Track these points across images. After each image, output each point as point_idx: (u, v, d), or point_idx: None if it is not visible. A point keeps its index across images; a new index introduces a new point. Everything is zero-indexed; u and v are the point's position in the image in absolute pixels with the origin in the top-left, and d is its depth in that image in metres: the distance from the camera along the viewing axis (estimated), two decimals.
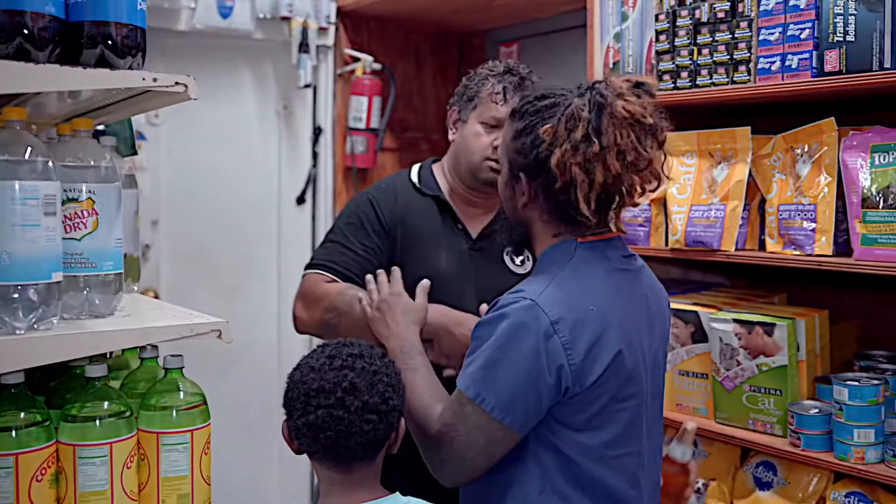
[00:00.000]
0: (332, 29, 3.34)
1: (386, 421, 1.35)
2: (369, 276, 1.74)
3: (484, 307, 1.67)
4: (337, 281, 1.82)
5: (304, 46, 3.22)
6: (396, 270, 1.73)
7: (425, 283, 1.71)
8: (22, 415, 1.18)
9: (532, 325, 1.29)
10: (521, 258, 1.91)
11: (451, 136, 1.93)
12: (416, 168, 1.98)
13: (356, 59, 3.38)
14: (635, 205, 1.39)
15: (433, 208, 1.90)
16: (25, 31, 1.10)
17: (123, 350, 1.56)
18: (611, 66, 2.23)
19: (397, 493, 1.39)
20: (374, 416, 1.33)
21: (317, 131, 3.43)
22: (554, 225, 1.41)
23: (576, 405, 1.33)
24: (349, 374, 1.34)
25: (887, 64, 1.67)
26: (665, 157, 1.36)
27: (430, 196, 1.91)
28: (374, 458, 1.38)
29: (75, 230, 1.24)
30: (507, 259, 1.90)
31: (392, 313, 1.64)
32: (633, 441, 1.39)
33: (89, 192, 1.25)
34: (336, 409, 1.32)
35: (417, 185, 1.93)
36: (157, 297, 3.08)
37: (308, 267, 1.87)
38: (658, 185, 1.38)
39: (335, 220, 1.95)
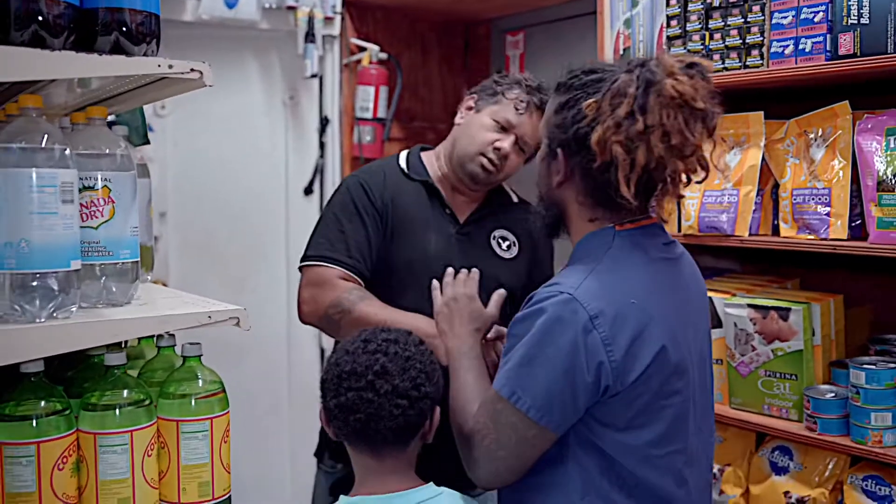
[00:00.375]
0: (337, 18, 3.33)
1: (417, 407, 1.34)
2: (449, 270, 1.74)
3: (501, 292, 1.67)
4: (344, 271, 1.81)
5: (310, 36, 3.21)
6: (475, 272, 1.73)
7: (501, 292, 1.68)
8: (42, 403, 1.18)
9: (569, 320, 1.23)
10: (507, 243, 1.95)
11: (457, 119, 1.94)
12: (403, 154, 1.99)
13: (362, 49, 3.37)
14: (679, 196, 1.31)
15: (422, 193, 1.91)
16: (40, 18, 1.09)
17: (140, 340, 1.56)
18: (621, 52, 2.22)
19: (431, 483, 1.39)
20: (404, 400, 1.33)
21: (324, 121, 3.42)
22: (590, 208, 1.35)
23: (617, 404, 1.26)
24: (381, 357, 1.35)
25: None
26: (715, 145, 1.29)
27: (419, 181, 1.92)
28: (406, 445, 1.37)
29: (92, 218, 1.23)
30: (493, 244, 1.93)
31: (460, 314, 1.61)
32: (678, 438, 1.31)
33: (105, 180, 1.24)
34: (366, 391, 1.33)
35: (406, 170, 1.94)
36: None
37: (310, 258, 1.85)
38: (706, 176, 1.31)
39: (328, 205, 1.93)
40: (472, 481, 1.37)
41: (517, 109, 1.84)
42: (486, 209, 1.95)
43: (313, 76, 3.27)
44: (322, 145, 3.45)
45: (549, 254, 2.05)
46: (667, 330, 1.28)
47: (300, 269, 1.88)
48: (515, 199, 2.04)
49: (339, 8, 3.32)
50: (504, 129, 1.85)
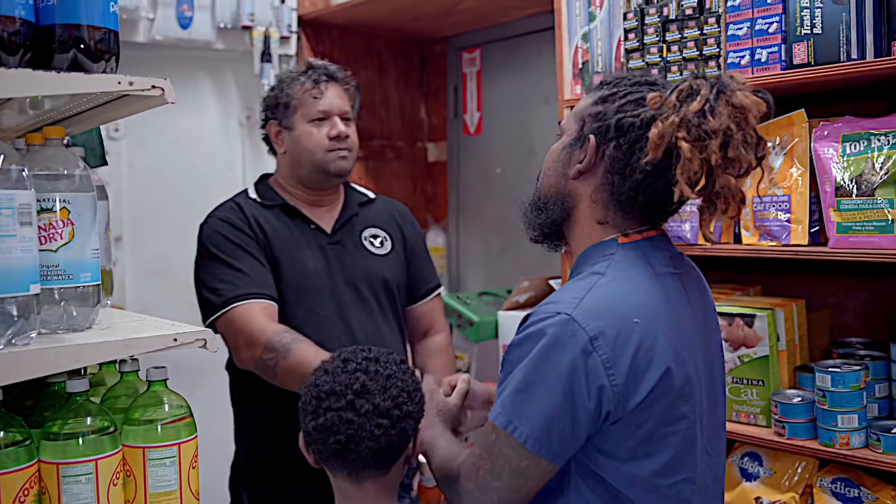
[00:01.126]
0: (293, 38, 3.31)
1: (398, 427, 1.30)
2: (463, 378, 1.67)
3: (465, 377, 1.63)
4: (263, 302, 1.82)
5: (266, 56, 3.19)
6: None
7: (465, 377, 1.62)
8: (1, 434, 1.14)
9: (568, 342, 1.16)
10: (379, 240, 2.02)
11: (279, 150, 1.99)
12: (251, 187, 2.03)
13: None
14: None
15: (281, 216, 1.96)
16: None
17: (101, 366, 1.51)
18: (580, 66, 2.23)
19: None
20: (385, 420, 1.29)
21: None
22: (603, 208, 1.28)
23: (619, 432, 1.19)
24: (361, 376, 1.31)
25: (854, 55, 1.70)
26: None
27: (275, 206, 1.95)
28: (388, 469, 1.33)
29: (51, 241, 1.20)
30: (366, 244, 1.99)
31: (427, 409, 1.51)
32: (686, 466, 1.24)
33: (63, 201, 1.21)
34: (346, 411, 1.28)
35: (259, 199, 1.97)
36: None
37: (218, 307, 1.83)
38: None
39: (199, 258, 1.92)
40: None
41: (316, 97, 1.92)
42: (350, 213, 2.01)
43: None
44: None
45: (421, 240, 2.13)
46: (672, 350, 1.20)
47: (213, 324, 1.85)
48: (372, 196, 2.11)
49: (294, 27, 3.30)
50: (323, 119, 1.90)
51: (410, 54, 3.74)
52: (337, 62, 3.35)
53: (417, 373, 1.44)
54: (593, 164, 1.28)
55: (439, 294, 2.17)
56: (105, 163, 1.80)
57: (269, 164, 3.41)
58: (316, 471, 1.84)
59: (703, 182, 1.20)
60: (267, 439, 1.95)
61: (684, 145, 1.16)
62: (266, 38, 3.18)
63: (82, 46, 1.15)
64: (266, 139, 2.03)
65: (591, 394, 1.16)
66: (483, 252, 3.61)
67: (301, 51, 3.35)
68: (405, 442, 1.33)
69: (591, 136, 1.27)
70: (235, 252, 1.88)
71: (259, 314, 1.82)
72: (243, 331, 1.81)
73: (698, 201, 1.24)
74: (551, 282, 2.60)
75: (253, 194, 1.99)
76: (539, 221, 1.36)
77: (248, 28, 3.16)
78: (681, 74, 1.98)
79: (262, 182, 2.04)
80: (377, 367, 1.33)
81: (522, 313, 2.59)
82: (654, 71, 2.03)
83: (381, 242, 2.01)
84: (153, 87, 1.19)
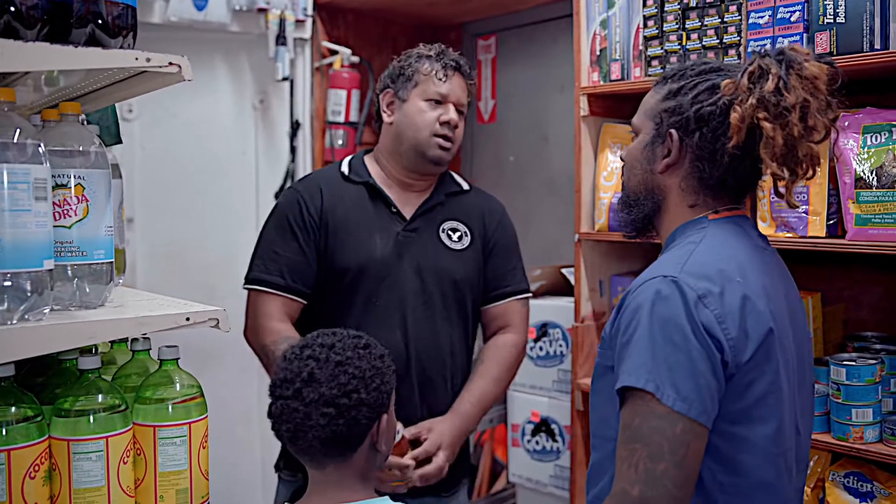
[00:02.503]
0: (309, 21, 3.29)
1: (348, 416, 1.26)
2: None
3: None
4: (281, 296, 1.84)
5: (281, 39, 3.17)
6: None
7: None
8: (13, 409, 1.14)
9: (680, 302, 1.17)
10: (458, 234, 1.96)
11: (387, 119, 1.95)
12: (347, 159, 2.00)
13: (334, 52, 3.33)
14: (785, 190, 1.28)
15: (363, 195, 1.92)
16: (13, 9, 1.05)
17: (112, 345, 1.51)
18: (598, 53, 2.21)
19: (387, 496, 1.32)
20: (330, 409, 1.25)
21: (295, 125, 3.38)
22: (694, 193, 1.32)
23: (731, 390, 1.18)
24: (312, 364, 1.28)
25: (878, 45, 1.67)
26: (838, 134, 1.29)
27: (361, 183, 1.91)
28: (345, 456, 1.29)
29: (65, 217, 1.19)
30: (443, 236, 1.93)
31: None
32: (788, 437, 1.25)
33: (78, 177, 1.20)
34: (292, 400, 1.27)
35: (347, 174, 1.94)
36: None
37: (248, 280, 1.88)
38: (814, 172, 1.28)
39: (266, 221, 1.94)
40: None
41: (441, 79, 1.88)
42: (435, 201, 1.95)
43: (284, 79, 3.22)
44: (293, 149, 3.40)
45: (511, 241, 2.04)
46: (772, 313, 1.23)
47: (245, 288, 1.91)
48: (466, 187, 2.04)
49: (310, 11, 3.28)
50: (439, 102, 1.88)
51: (426, 40, 3.71)
52: (352, 47, 3.38)
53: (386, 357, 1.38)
54: (679, 156, 1.32)
55: (524, 300, 2.05)
56: (120, 141, 1.80)
57: (282, 149, 3.42)
58: None
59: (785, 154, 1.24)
60: None
61: (766, 124, 1.21)
62: (281, 22, 3.17)
63: (100, 21, 1.15)
64: (377, 109, 1.98)
65: (714, 345, 1.16)
66: None
67: (316, 35, 3.33)
68: (360, 431, 1.28)
69: (673, 132, 1.31)
70: (285, 235, 1.87)
71: (276, 310, 1.84)
72: (257, 317, 1.85)
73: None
74: (563, 270, 2.59)
75: (344, 167, 1.96)
76: (631, 218, 1.40)
77: (263, 11, 3.14)
78: None
79: (358, 157, 2.00)
80: (328, 354, 1.29)
81: (534, 302, 2.58)
82: (674, 59, 2.01)
83: (460, 237, 1.94)
84: (170, 63, 1.18)
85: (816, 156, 1.26)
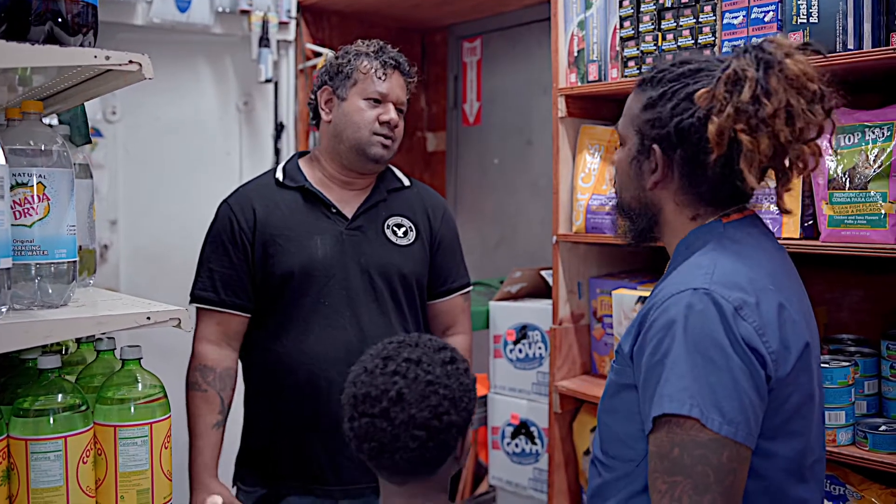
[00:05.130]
0: (292, 23, 3.29)
1: (438, 439, 1.19)
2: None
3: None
4: (218, 311, 1.87)
5: (264, 41, 3.17)
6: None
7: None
8: None
9: (716, 316, 1.09)
10: (403, 230, 1.96)
11: (325, 117, 1.94)
12: (281, 164, 2.00)
13: (318, 55, 3.33)
14: (785, 189, 1.22)
15: (299, 200, 1.90)
16: None
17: (79, 344, 1.50)
18: (575, 53, 2.21)
19: None
20: (421, 432, 1.18)
21: (279, 127, 3.38)
22: (691, 206, 1.24)
23: (770, 405, 1.11)
24: (399, 381, 1.20)
25: (851, 45, 1.67)
26: (833, 128, 1.20)
27: (296, 188, 1.91)
28: (431, 473, 1.24)
29: (25, 216, 1.18)
30: (388, 233, 1.93)
31: None
32: (819, 444, 1.21)
33: (40, 176, 1.20)
34: (380, 419, 1.19)
35: (282, 180, 1.94)
36: None
37: (192, 297, 1.91)
38: (816, 164, 1.20)
39: (205, 237, 1.95)
40: None
41: (380, 78, 1.87)
42: (377, 199, 1.95)
43: (267, 81, 3.22)
44: (277, 151, 3.40)
45: (454, 235, 2.05)
46: (805, 320, 1.18)
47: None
48: (407, 183, 2.03)
49: (294, 13, 3.28)
50: (378, 101, 1.87)
51: (411, 43, 3.72)
52: (336, 49, 3.36)
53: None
54: (667, 173, 1.24)
55: (466, 294, 2.08)
56: (89, 141, 1.79)
57: (267, 151, 3.41)
58: (307, 461, 1.85)
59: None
60: (263, 426, 1.93)
61: (744, 137, 1.13)
62: (264, 24, 3.16)
63: (59, 19, 1.14)
64: (314, 106, 1.97)
65: (756, 360, 1.09)
66: (480, 242, 3.59)
67: (300, 37, 3.33)
68: (447, 451, 1.22)
69: (656, 147, 1.23)
70: (218, 250, 1.88)
71: (211, 329, 1.88)
72: (193, 337, 1.91)
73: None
74: (543, 273, 2.59)
75: (279, 173, 1.95)
76: (631, 229, 1.33)
77: (246, 13, 3.14)
78: None
79: (293, 160, 1.99)
80: (417, 372, 1.21)
81: (513, 304, 2.58)
82: (650, 60, 2.01)
83: (405, 232, 1.94)
84: (130, 62, 1.17)
85: (815, 152, 1.18)
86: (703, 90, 1.16)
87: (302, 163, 1.97)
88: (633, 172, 1.28)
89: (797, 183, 1.79)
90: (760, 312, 1.11)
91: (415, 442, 1.18)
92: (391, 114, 1.86)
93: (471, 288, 2.10)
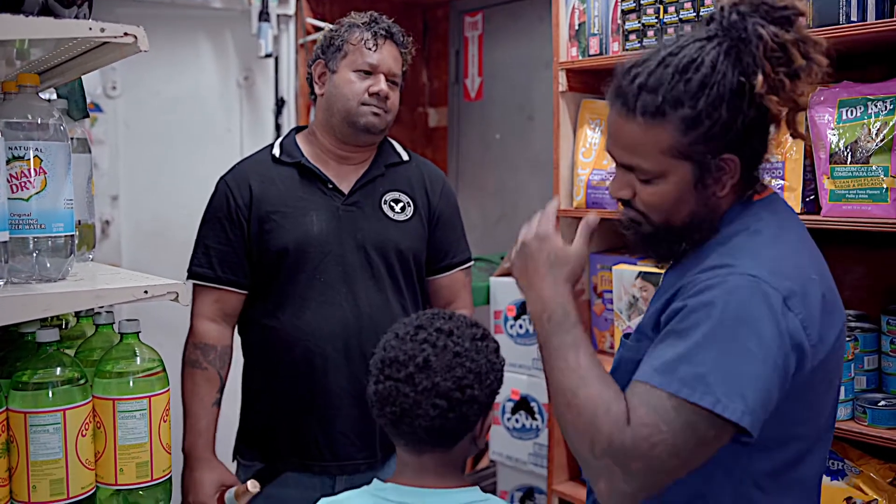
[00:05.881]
0: None
1: (458, 411, 1.19)
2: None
3: (590, 218, 1.28)
4: (212, 287, 1.87)
5: (264, 15, 3.15)
6: (553, 203, 1.37)
7: (590, 218, 1.27)
8: None
9: (763, 304, 1.04)
10: (401, 205, 1.94)
11: (318, 91, 1.92)
12: (279, 140, 1.99)
13: (318, 29, 3.31)
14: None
15: (295, 176, 1.90)
16: None
17: (79, 319, 1.51)
18: (576, 27, 2.19)
19: (477, 487, 1.26)
20: (443, 401, 1.18)
21: (279, 102, 3.37)
22: (740, 191, 1.18)
23: (794, 392, 1.09)
24: (428, 349, 1.20)
25: (854, 17, 1.66)
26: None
27: (292, 164, 1.90)
28: (448, 447, 1.24)
29: (22, 189, 1.18)
30: (385, 208, 1.91)
31: (534, 263, 1.23)
32: (831, 427, 1.20)
33: (36, 150, 1.19)
34: (404, 384, 1.20)
35: (278, 156, 1.92)
36: None
37: (189, 273, 1.91)
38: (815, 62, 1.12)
39: (204, 210, 1.95)
40: (602, 493, 1.09)
41: (371, 49, 1.84)
42: (374, 174, 1.93)
43: (267, 56, 3.20)
44: (278, 127, 3.39)
45: (454, 210, 2.03)
46: (838, 309, 1.15)
47: None
48: (406, 157, 2.01)
49: None
50: (369, 73, 1.85)
51: (412, 17, 3.70)
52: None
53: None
54: (740, 171, 1.16)
55: (467, 269, 2.05)
56: (87, 115, 1.78)
57: (267, 126, 3.40)
58: (303, 437, 1.85)
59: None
60: (260, 401, 1.94)
61: (801, 99, 1.11)
62: None
63: None
64: (309, 80, 1.96)
65: (795, 357, 1.06)
66: (481, 218, 3.59)
67: (300, 11, 3.31)
68: (467, 426, 1.22)
69: (729, 157, 1.13)
70: (214, 226, 1.88)
71: (208, 307, 1.88)
72: (191, 313, 1.91)
73: None
74: None
75: (276, 149, 1.94)
76: (684, 242, 1.20)
77: None
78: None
79: (290, 135, 1.98)
80: (447, 342, 1.21)
81: (513, 279, 2.58)
82: (651, 33, 1.99)
83: (403, 208, 1.92)
84: (125, 34, 1.16)
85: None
86: (759, 79, 1.08)
87: (299, 138, 1.96)
88: (697, 194, 1.16)
89: (798, 158, 1.78)
90: (806, 303, 1.07)
91: (435, 410, 1.18)
92: (381, 85, 1.84)
93: (472, 263, 2.09)
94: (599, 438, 1.06)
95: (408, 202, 1.92)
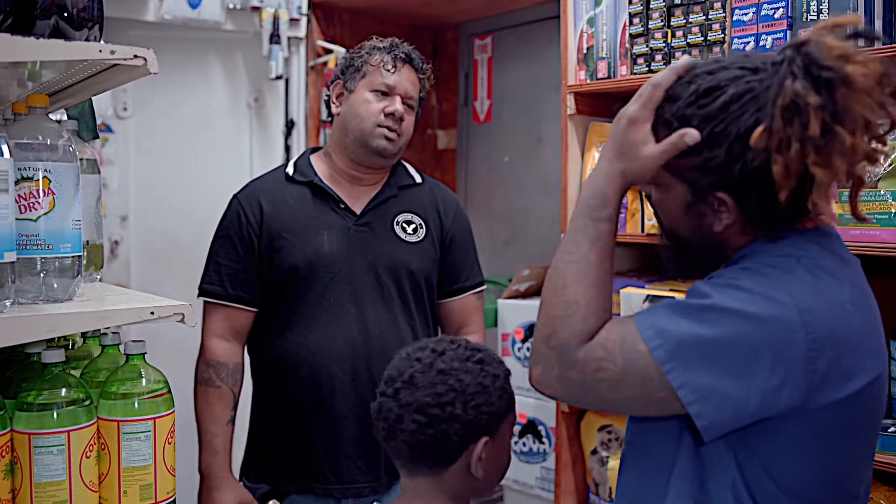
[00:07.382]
0: (303, 20, 3.30)
1: (436, 428, 1.19)
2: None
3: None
4: (224, 305, 1.88)
5: (275, 37, 3.18)
6: (678, 63, 1.20)
7: (691, 132, 1.14)
8: None
9: (785, 344, 1.00)
10: (412, 227, 1.94)
11: (334, 110, 1.94)
12: (293, 159, 2.00)
13: (329, 51, 3.33)
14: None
15: (307, 195, 1.90)
16: None
17: (85, 339, 1.51)
18: (584, 51, 2.20)
19: None
20: (421, 416, 1.19)
21: (289, 124, 3.38)
22: (753, 233, 1.11)
23: (800, 425, 1.04)
24: (416, 366, 1.23)
25: (862, 42, 1.65)
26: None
27: (305, 183, 1.90)
28: (434, 470, 1.23)
29: (31, 210, 1.19)
30: (397, 229, 1.92)
31: (610, 142, 1.14)
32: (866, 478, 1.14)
33: (45, 170, 1.20)
34: (390, 399, 1.23)
35: (291, 175, 1.93)
36: None
37: (200, 291, 1.92)
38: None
39: (216, 228, 1.96)
40: (533, 380, 1.11)
41: (389, 71, 1.86)
42: (387, 195, 1.93)
43: (278, 78, 3.23)
44: (288, 148, 3.41)
45: (466, 233, 2.03)
46: (881, 353, 1.09)
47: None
48: (420, 179, 2.01)
49: (305, 9, 3.28)
50: (385, 94, 1.86)
51: (422, 40, 3.72)
52: (347, 46, 3.37)
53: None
54: (738, 214, 1.10)
55: (479, 293, 2.04)
56: (97, 136, 1.79)
57: (277, 147, 3.42)
58: (307, 459, 1.84)
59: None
60: (267, 421, 1.93)
61: (818, 171, 0.99)
62: (275, 20, 3.17)
63: (65, 14, 1.14)
64: (326, 101, 1.98)
65: (786, 390, 1.01)
66: (489, 240, 3.59)
67: (311, 34, 3.34)
68: (451, 447, 1.21)
69: (724, 196, 1.08)
70: (225, 244, 1.89)
71: (219, 324, 1.89)
72: (202, 331, 1.91)
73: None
74: None
75: (290, 168, 1.95)
76: (699, 265, 1.18)
77: (257, 9, 3.15)
78: None
79: (305, 155, 1.99)
80: (434, 360, 1.23)
81: (522, 302, 2.58)
82: (659, 57, 2.00)
83: (415, 229, 1.92)
84: (135, 56, 1.17)
85: (885, 143, 1.05)
86: (758, 130, 1.01)
87: (314, 158, 1.97)
88: (691, 216, 1.13)
89: None
90: (833, 347, 1.01)
91: (414, 425, 1.20)
92: (396, 105, 1.85)
93: (484, 287, 2.07)
94: (559, 336, 1.06)
95: (420, 224, 1.93)
